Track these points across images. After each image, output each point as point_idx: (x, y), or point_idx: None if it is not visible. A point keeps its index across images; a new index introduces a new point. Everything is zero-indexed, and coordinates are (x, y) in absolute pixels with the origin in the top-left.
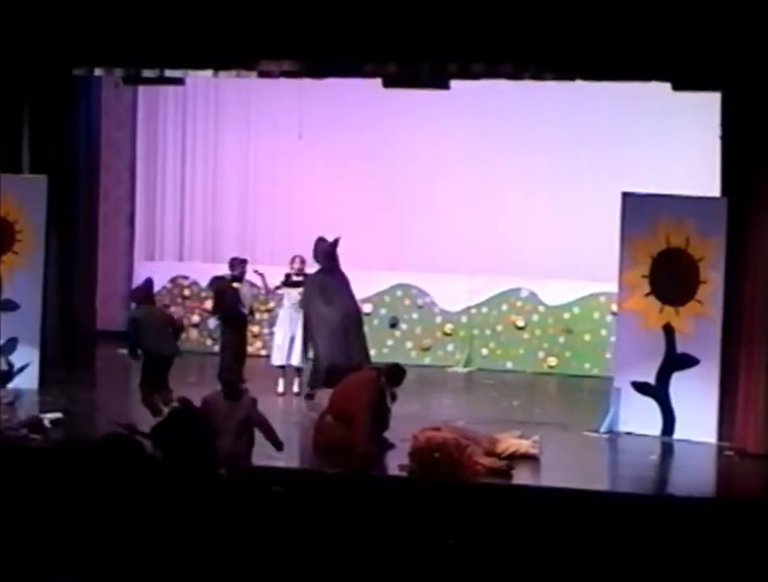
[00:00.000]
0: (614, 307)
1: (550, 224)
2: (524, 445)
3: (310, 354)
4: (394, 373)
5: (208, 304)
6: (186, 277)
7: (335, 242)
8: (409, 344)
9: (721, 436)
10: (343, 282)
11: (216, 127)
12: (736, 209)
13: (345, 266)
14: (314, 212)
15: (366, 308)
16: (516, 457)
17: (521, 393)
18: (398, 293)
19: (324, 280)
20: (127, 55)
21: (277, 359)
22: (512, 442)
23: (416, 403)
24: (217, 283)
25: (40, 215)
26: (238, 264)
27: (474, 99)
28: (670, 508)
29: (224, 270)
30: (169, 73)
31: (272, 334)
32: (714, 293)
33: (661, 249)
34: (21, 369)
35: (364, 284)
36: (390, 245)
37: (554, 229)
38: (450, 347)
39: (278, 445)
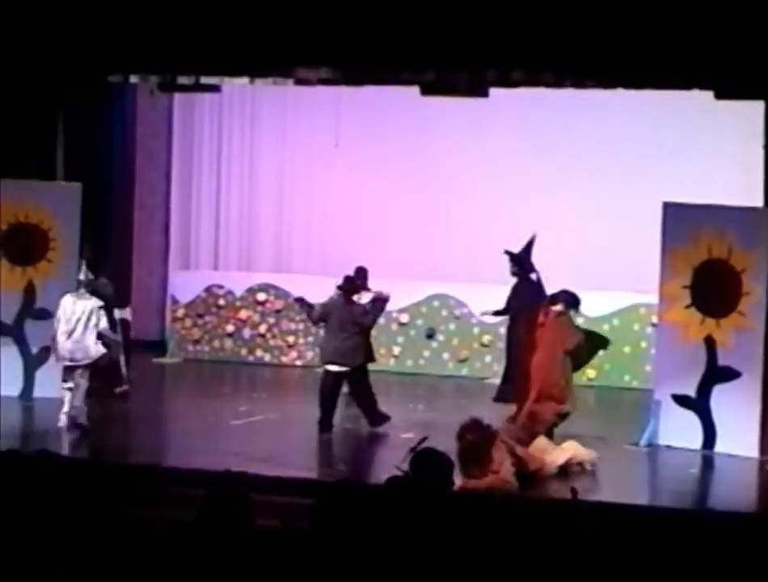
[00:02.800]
0: (655, 319)
1: (590, 234)
2: (584, 454)
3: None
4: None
5: (244, 313)
6: (221, 286)
7: None
8: (446, 355)
9: (763, 449)
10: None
11: (251, 135)
12: None
13: (382, 275)
14: (350, 222)
15: (403, 318)
16: (571, 466)
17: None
18: (435, 303)
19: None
20: (162, 62)
21: None
22: (572, 449)
23: (453, 415)
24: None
25: (73, 223)
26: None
27: (513, 107)
28: (711, 523)
29: (256, 279)
30: (205, 80)
31: (308, 343)
32: (756, 304)
33: (703, 260)
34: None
35: (400, 295)
36: (427, 255)
37: (593, 239)
38: (488, 359)
39: None
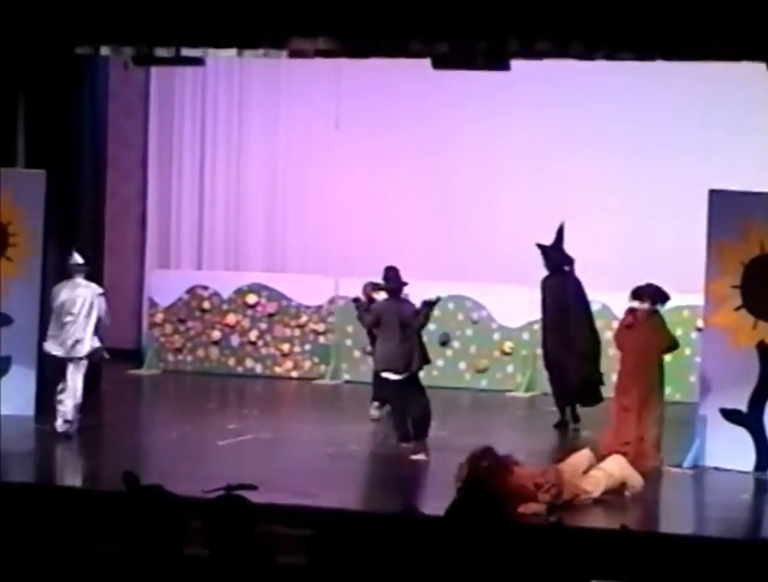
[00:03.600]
0: (700, 322)
1: (626, 227)
2: (630, 476)
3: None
4: None
5: (232, 318)
6: (205, 287)
7: None
8: (462, 365)
9: None
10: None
11: (240, 115)
12: None
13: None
14: (352, 214)
15: None
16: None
17: (592, 421)
18: (450, 305)
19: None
20: (138, 31)
21: None
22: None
23: (471, 434)
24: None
25: (37, 216)
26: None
27: (537, 82)
28: (765, 554)
29: (246, 279)
30: (186, 52)
31: (305, 352)
32: None
33: (754, 255)
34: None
35: (412, 297)
36: (441, 251)
37: (630, 232)
38: (510, 369)
39: None
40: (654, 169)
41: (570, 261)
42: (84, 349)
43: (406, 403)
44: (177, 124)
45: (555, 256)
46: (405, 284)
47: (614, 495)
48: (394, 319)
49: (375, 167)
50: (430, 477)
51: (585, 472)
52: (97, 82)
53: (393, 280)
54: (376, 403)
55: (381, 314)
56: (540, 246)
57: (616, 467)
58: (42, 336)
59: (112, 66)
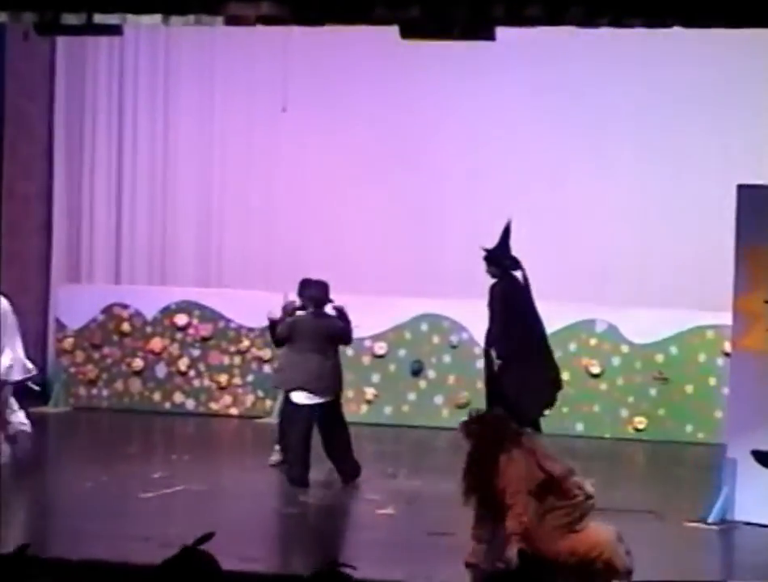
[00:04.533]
0: (727, 346)
1: (637, 230)
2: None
3: None
4: None
5: (157, 343)
6: (125, 306)
7: None
8: (439, 399)
9: None
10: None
11: (167, 98)
12: None
13: (348, 289)
14: (305, 217)
15: (378, 348)
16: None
17: (597, 467)
18: (424, 326)
19: None
20: None
21: None
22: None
23: (449, 482)
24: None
25: None
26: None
27: (527, 55)
28: None
29: (174, 296)
30: (100, 18)
31: (247, 384)
32: None
33: None
34: None
35: (376, 316)
36: (412, 262)
37: (641, 237)
38: None
39: None
40: (669, 162)
41: (519, 265)
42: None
43: (309, 435)
44: (89, 108)
45: (503, 259)
46: (329, 299)
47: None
48: (316, 333)
49: (332, 160)
50: (400, 536)
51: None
52: None
53: (314, 291)
54: (277, 446)
55: (299, 327)
56: (485, 250)
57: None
58: None
59: (10, 36)
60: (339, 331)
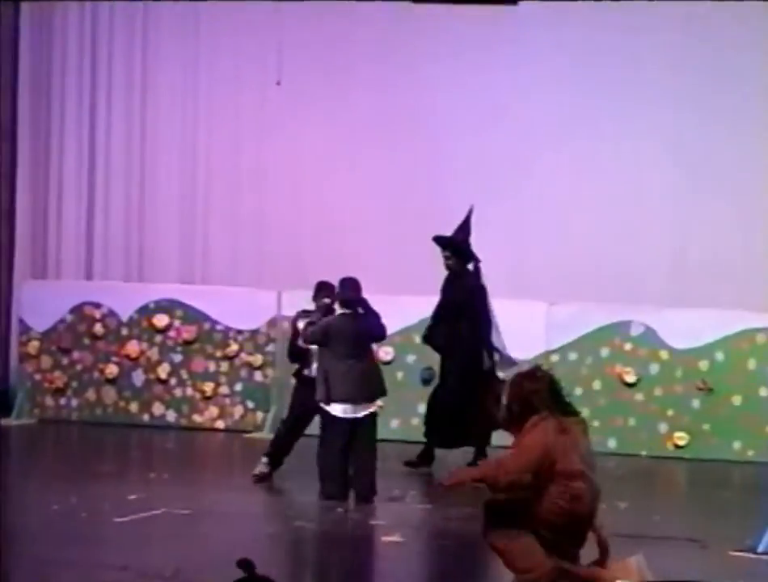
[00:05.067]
0: None
1: (676, 222)
2: None
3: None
4: None
5: (134, 347)
6: (98, 305)
7: None
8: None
9: None
10: None
11: (145, 72)
12: None
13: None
14: (300, 205)
15: (385, 354)
16: None
17: (632, 488)
18: None
19: None
20: None
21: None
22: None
23: (463, 506)
24: None
25: None
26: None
27: (549, 24)
28: None
29: (153, 293)
30: None
31: (235, 393)
32: None
33: None
34: None
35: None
36: (418, 257)
37: (681, 230)
38: None
39: None
40: (712, 146)
41: (476, 258)
42: None
43: (348, 449)
44: (57, 84)
45: (461, 249)
46: (361, 298)
47: None
48: (354, 337)
49: (330, 141)
50: (407, 568)
51: None
52: None
53: (348, 291)
54: (265, 459)
55: (330, 330)
56: (440, 239)
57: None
58: None
59: None
60: (376, 329)
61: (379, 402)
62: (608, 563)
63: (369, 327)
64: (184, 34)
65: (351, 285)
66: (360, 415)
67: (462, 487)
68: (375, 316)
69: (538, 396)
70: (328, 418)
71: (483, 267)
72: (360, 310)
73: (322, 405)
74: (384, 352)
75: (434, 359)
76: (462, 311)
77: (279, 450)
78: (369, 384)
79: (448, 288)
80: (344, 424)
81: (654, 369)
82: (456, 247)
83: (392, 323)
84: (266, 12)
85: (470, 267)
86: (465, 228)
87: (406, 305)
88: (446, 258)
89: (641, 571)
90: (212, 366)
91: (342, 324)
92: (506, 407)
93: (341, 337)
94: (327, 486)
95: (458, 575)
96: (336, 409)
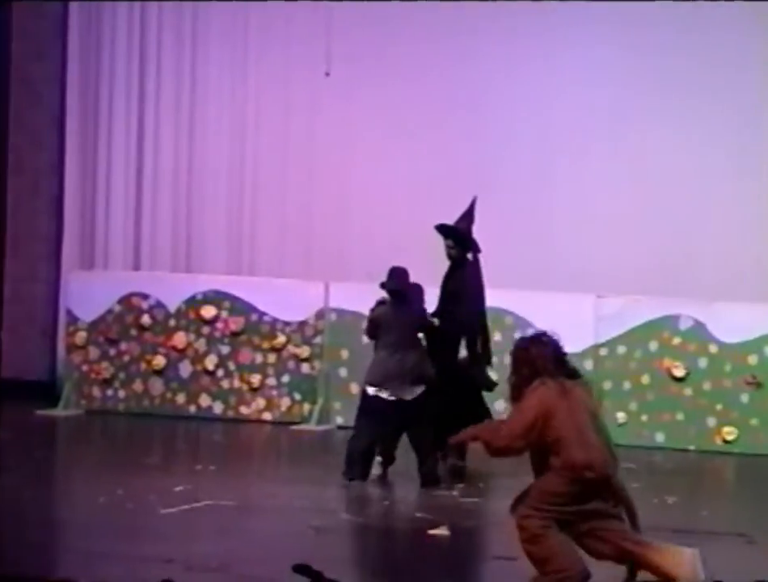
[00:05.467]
0: None
1: (728, 214)
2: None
3: None
4: None
5: (180, 338)
6: (145, 296)
7: None
8: (500, 405)
9: None
10: None
11: (194, 62)
12: None
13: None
14: (349, 196)
15: None
16: None
17: (680, 483)
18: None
19: None
20: None
21: None
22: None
23: (510, 499)
24: None
25: None
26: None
27: (608, 19)
28: None
29: (201, 285)
30: None
31: (283, 385)
32: None
33: None
34: None
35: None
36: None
37: (732, 222)
38: None
39: None
40: (761, 144)
41: (478, 248)
42: None
43: (376, 431)
44: (106, 73)
45: (464, 238)
46: (408, 286)
47: None
48: (398, 326)
49: (379, 131)
50: (453, 561)
51: None
52: None
53: (392, 281)
54: (379, 458)
55: (378, 322)
56: (443, 227)
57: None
58: None
59: None
60: (419, 319)
61: (415, 391)
62: (638, 523)
63: (413, 316)
64: (233, 31)
65: (397, 274)
66: (394, 398)
67: (464, 445)
68: (420, 305)
69: (543, 360)
70: (363, 402)
71: (532, 258)
72: (404, 299)
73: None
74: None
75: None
76: (461, 302)
77: (385, 448)
78: (411, 372)
79: (449, 277)
80: (377, 409)
81: (703, 363)
82: (459, 237)
83: None
84: (314, 6)
85: (470, 257)
86: (468, 217)
87: None
88: (449, 247)
89: (695, 566)
90: (259, 358)
91: (385, 313)
92: (513, 373)
93: (385, 326)
94: (348, 468)
95: (506, 569)
96: (371, 391)
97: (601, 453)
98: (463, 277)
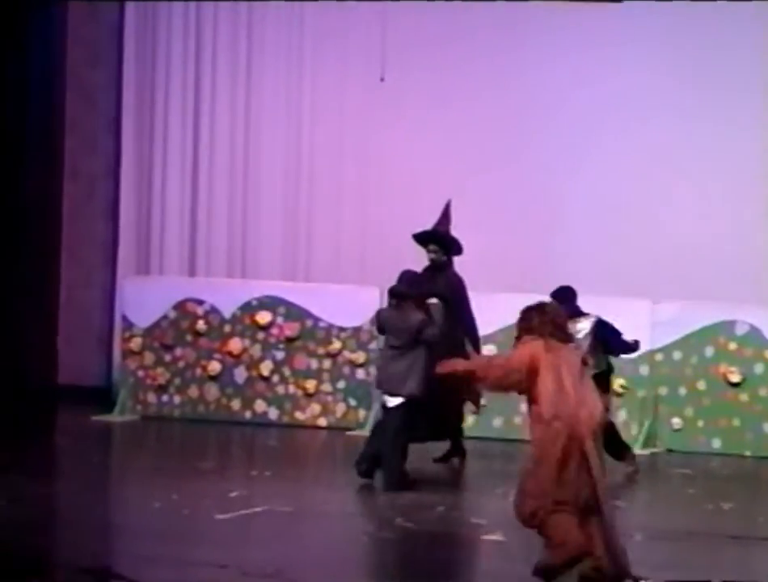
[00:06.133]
0: None
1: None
2: None
3: None
4: None
5: (235, 344)
6: (200, 302)
7: None
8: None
9: None
10: None
11: (250, 67)
12: None
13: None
14: (405, 201)
15: (488, 352)
16: None
17: (736, 489)
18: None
19: None
20: None
21: None
22: None
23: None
24: None
25: None
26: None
27: (655, 21)
28: None
29: (256, 290)
30: None
31: (338, 391)
32: None
33: None
34: None
35: (483, 314)
36: (522, 252)
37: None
38: (623, 415)
39: None
40: None
41: (461, 249)
42: None
43: (402, 436)
44: (161, 78)
45: (447, 241)
46: (410, 291)
47: None
48: (393, 328)
49: (435, 138)
50: (509, 566)
51: None
52: (52, 18)
53: (399, 284)
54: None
55: (378, 321)
56: (424, 235)
57: None
58: None
59: None
60: (412, 324)
61: (395, 400)
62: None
63: (409, 322)
64: (289, 32)
65: (405, 278)
66: (389, 405)
67: (454, 376)
68: (426, 312)
69: (543, 326)
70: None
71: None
72: (405, 304)
73: None
74: (487, 351)
75: None
76: (448, 304)
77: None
78: (395, 378)
79: (432, 282)
80: (381, 409)
81: (759, 368)
82: (442, 240)
83: (495, 320)
84: (371, 9)
85: (445, 258)
86: (444, 221)
87: (505, 302)
88: (434, 252)
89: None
90: (314, 363)
91: (386, 315)
92: (516, 338)
93: (386, 329)
94: (355, 465)
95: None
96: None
97: (573, 408)
98: (450, 281)
